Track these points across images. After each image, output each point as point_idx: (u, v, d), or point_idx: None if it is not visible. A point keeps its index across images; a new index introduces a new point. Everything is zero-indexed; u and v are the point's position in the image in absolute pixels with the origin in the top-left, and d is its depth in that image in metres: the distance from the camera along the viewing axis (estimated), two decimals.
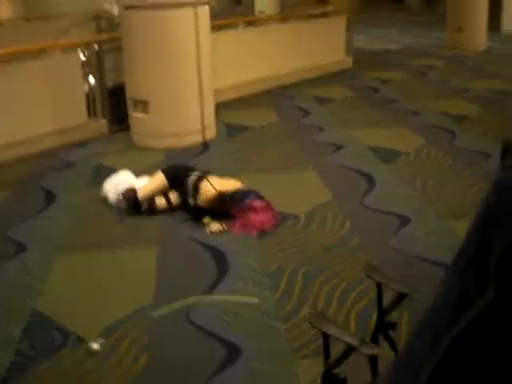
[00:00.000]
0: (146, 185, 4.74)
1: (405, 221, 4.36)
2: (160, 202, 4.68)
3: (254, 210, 4.30)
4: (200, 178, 4.53)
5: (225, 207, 4.42)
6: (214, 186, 4.44)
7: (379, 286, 2.33)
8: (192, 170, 4.73)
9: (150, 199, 4.67)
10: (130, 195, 4.68)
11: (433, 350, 0.54)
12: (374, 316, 2.52)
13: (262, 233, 4.23)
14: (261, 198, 4.43)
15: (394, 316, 2.45)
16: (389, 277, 2.33)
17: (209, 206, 4.47)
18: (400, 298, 2.29)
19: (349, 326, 3.09)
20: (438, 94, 8.79)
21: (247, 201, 4.34)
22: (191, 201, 4.52)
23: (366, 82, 9.86)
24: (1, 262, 4.04)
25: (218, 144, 6.54)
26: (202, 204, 4.48)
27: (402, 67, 11.14)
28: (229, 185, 4.52)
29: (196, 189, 4.48)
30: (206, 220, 4.37)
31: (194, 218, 4.51)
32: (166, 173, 4.72)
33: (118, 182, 4.84)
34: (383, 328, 2.39)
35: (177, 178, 4.65)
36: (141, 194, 4.65)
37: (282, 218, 4.42)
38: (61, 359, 2.96)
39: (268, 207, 4.39)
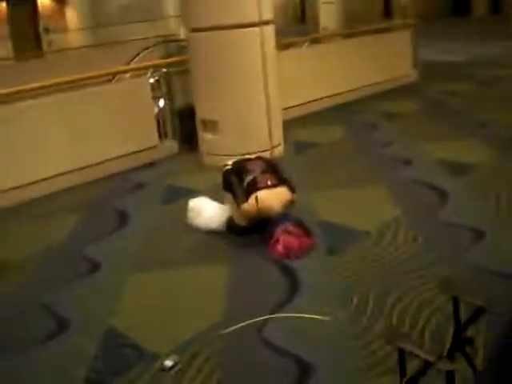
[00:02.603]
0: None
1: (480, 235, 4.25)
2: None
3: (288, 233, 4.27)
4: (251, 187, 4.44)
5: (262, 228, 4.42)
6: (259, 201, 4.35)
7: (455, 300, 2.27)
8: (249, 171, 4.57)
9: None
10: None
11: None
12: (449, 332, 2.46)
13: (295, 258, 4.16)
14: (299, 224, 4.42)
15: (470, 331, 2.39)
16: (465, 291, 2.28)
17: (246, 222, 4.51)
18: (477, 312, 2.23)
19: (423, 343, 3.03)
20: (508, 105, 8.56)
21: (284, 224, 4.33)
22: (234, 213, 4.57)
23: (434, 95, 9.72)
24: (76, 281, 4.15)
25: (286, 161, 6.54)
26: (240, 219, 4.51)
27: (470, 78, 10.92)
28: (276, 201, 4.43)
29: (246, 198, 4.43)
30: None
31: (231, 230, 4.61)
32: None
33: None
34: (460, 344, 2.33)
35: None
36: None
37: (313, 247, 4.31)
38: (135, 376, 3.00)
39: (303, 233, 4.35)
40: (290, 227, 4.31)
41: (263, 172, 4.54)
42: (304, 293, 3.68)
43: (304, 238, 4.30)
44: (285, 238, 4.23)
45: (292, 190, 4.56)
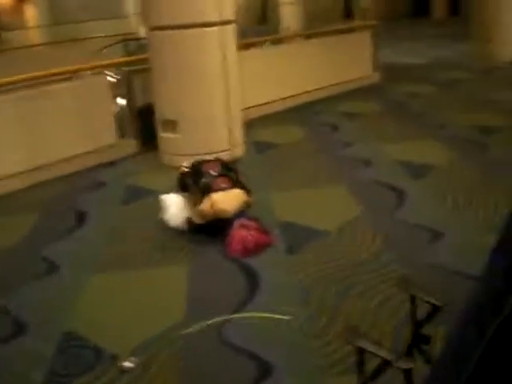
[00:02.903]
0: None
1: (437, 235, 4.30)
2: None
3: (245, 228, 4.30)
4: (206, 190, 4.47)
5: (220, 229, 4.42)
6: (213, 204, 4.38)
7: (413, 299, 2.29)
8: (204, 174, 4.62)
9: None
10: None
11: (477, 340, 0.53)
12: (409, 330, 2.48)
13: (251, 254, 4.18)
14: (255, 220, 4.45)
15: (428, 329, 2.41)
16: (422, 290, 2.30)
17: (203, 221, 4.50)
18: (434, 310, 2.25)
19: (383, 341, 3.04)
20: (468, 106, 8.68)
21: (240, 220, 4.35)
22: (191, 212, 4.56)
23: (395, 96, 9.81)
24: (33, 282, 4.08)
25: (246, 162, 6.54)
26: (197, 219, 4.50)
27: (430, 80, 11.05)
28: (230, 203, 4.44)
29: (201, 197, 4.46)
30: None
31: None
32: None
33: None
34: (417, 342, 2.35)
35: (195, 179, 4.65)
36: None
37: (270, 244, 4.33)
38: (93, 378, 2.96)
39: (259, 229, 4.37)
40: (246, 222, 4.33)
41: (219, 175, 4.57)
42: (264, 292, 3.67)
43: (260, 234, 4.32)
44: (240, 233, 4.25)
45: (247, 192, 4.58)
